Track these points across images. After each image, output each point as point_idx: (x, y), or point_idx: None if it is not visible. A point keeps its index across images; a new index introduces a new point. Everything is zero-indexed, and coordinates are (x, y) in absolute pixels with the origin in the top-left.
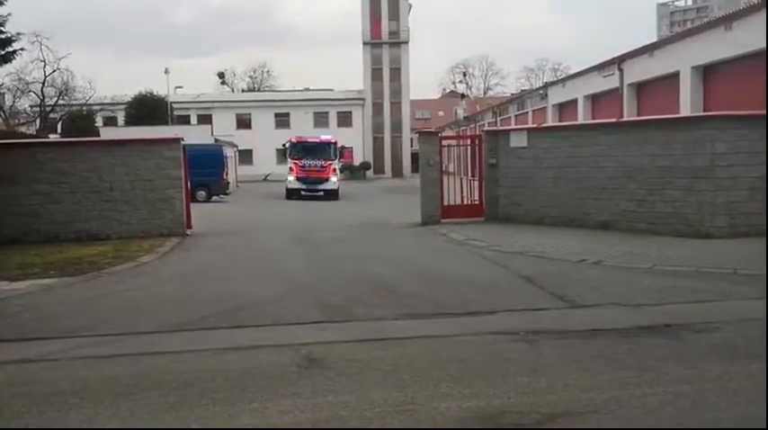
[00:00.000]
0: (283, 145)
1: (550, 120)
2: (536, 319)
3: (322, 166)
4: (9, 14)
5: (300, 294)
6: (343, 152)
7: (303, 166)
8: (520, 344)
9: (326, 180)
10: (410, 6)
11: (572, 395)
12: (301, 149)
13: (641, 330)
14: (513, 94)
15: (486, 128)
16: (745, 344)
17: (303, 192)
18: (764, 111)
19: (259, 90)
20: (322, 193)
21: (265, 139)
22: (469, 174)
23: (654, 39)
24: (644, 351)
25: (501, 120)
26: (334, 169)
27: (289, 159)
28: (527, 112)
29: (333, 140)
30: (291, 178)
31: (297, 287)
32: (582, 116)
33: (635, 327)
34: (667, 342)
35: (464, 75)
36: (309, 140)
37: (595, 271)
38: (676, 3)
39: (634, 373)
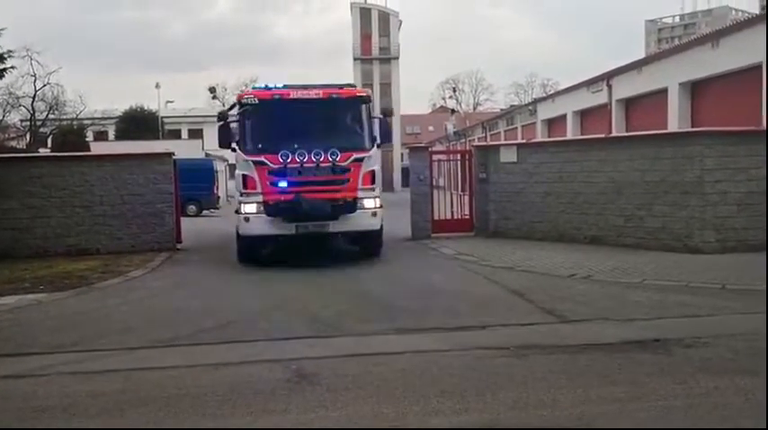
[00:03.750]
0: (222, 116)
1: (540, 136)
2: (526, 334)
3: (338, 169)
4: (3, 29)
5: (291, 308)
6: (390, 125)
7: (286, 172)
8: (510, 359)
9: (349, 205)
10: (400, 23)
11: (562, 410)
12: (278, 119)
13: (631, 345)
14: (502, 110)
15: (476, 143)
16: (734, 360)
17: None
18: (750, 128)
19: None
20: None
21: None
22: (459, 189)
23: (642, 55)
24: (634, 366)
25: (491, 135)
26: (370, 174)
27: (241, 154)
28: (516, 128)
29: (359, 93)
30: (250, 209)
31: (287, 301)
32: (571, 131)
33: (624, 342)
34: (657, 357)
35: (454, 90)
36: (299, 93)
37: (585, 285)
38: (664, 20)
39: (624, 388)
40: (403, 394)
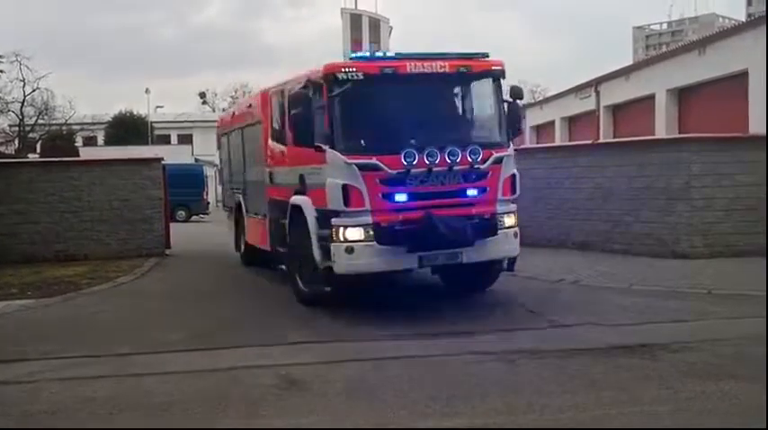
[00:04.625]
0: (299, 100)
1: (528, 142)
2: (515, 339)
3: (473, 175)
4: None
5: (280, 315)
6: (520, 114)
7: (406, 180)
8: (499, 364)
9: (490, 225)
10: (390, 29)
11: (551, 414)
12: (388, 103)
13: (618, 350)
14: None
15: None
16: (720, 365)
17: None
18: (737, 134)
19: None
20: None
21: None
22: None
23: (630, 62)
24: (621, 370)
25: None
26: (510, 180)
27: (336, 154)
28: None
29: (495, 66)
30: (354, 235)
31: (277, 307)
32: (559, 137)
33: (612, 347)
34: (643, 361)
35: None
36: (418, 65)
37: (573, 290)
38: (652, 26)
39: (611, 393)
40: (393, 399)
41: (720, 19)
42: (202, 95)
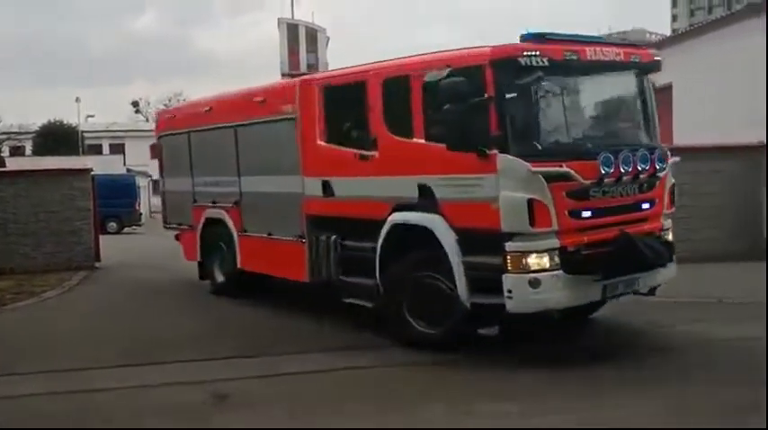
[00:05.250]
0: (457, 90)
1: None
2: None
3: (648, 184)
4: None
5: (209, 331)
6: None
7: (596, 191)
8: (428, 375)
9: (670, 245)
10: (328, 39)
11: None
12: (567, 95)
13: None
14: None
15: None
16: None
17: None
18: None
19: None
20: None
21: None
22: None
23: None
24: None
25: None
26: (671, 190)
27: (515, 160)
28: None
29: (656, 56)
30: (540, 262)
31: (209, 323)
32: None
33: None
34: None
35: None
36: (596, 51)
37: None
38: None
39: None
40: (317, 411)
41: (648, 34)
42: (135, 104)
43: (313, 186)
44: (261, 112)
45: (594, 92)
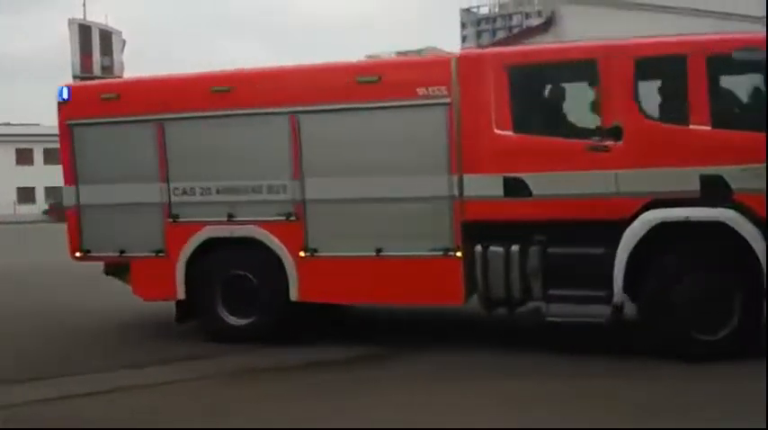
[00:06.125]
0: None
1: None
2: (257, 357)
3: None
4: None
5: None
6: None
7: None
8: (235, 386)
9: None
10: (124, 42)
11: None
12: None
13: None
14: None
15: None
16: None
17: None
18: None
19: None
20: None
21: None
22: None
23: None
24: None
25: None
26: None
27: None
28: None
29: None
30: None
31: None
32: None
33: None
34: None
35: None
36: None
37: None
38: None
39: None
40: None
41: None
42: None
43: (483, 185)
44: (365, 95)
45: None
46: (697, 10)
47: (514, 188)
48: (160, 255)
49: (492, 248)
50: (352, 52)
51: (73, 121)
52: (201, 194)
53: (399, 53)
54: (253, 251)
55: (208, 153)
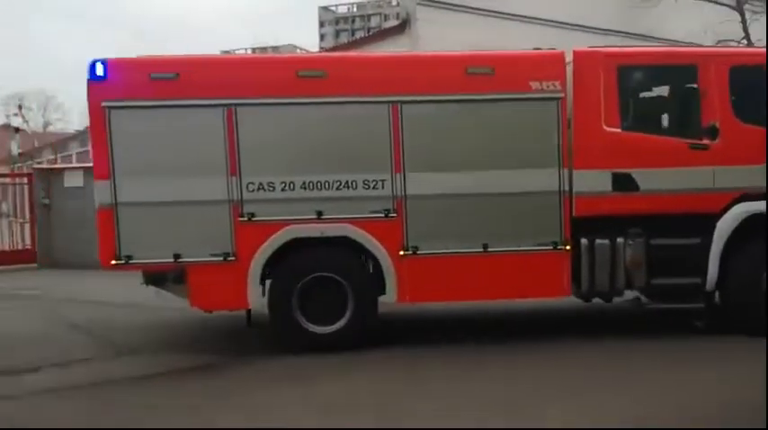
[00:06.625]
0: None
1: None
2: (81, 372)
3: None
4: None
5: None
6: None
7: None
8: (56, 402)
9: None
10: None
11: None
12: None
13: (186, 371)
14: (77, 131)
15: (44, 165)
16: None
17: None
18: None
19: None
20: None
21: None
22: (25, 216)
23: None
24: (186, 393)
25: (62, 157)
26: None
27: None
28: (89, 150)
29: None
30: None
31: None
32: None
33: (179, 370)
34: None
35: (19, 107)
36: None
37: (145, 314)
38: (238, 52)
39: (182, 418)
40: None
41: (299, 50)
42: None
43: (592, 181)
44: (477, 86)
45: None
46: (546, 20)
47: (623, 183)
48: (230, 259)
49: (599, 241)
50: (208, 47)
51: (111, 103)
52: (283, 190)
53: (256, 50)
54: (342, 251)
55: (292, 144)
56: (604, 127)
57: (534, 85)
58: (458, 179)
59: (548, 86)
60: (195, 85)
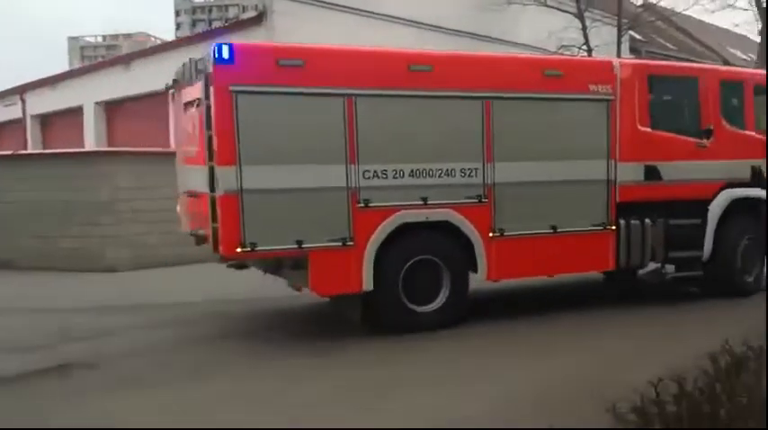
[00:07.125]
0: None
1: None
2: None
3: None
4: None
5: None
6: None
7: None
8: None
9: None
10: None
11: None
12: None
13: (32, 375)
14: None
15: None
16: (137, 376)
17: None
18: (160, 149)
19: None
20: None
21: None
22: None
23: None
24: (36, 396)
25: None
26: None
27: None
28: None
29: None
30: None
31: None
32: None
33: (25, 373)
34: (62, 381)
35: None
36: None
37: None
38: (87, 38)
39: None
40: None
41: (152, 38)
42: None
43: (631, 172)
44: (551, 87)
45: None
46: (403, 19)
47: (651, 174)
48: (348, 244)
49: (633, 222)
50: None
51: (239, 87)
52: (394, 178)
53: (107, 37)
54: (442, 235)
55: (403, 133)
56: (639, 126)
57: (592, 87)
58: (534, 168)
59: (602, 89)
60: (320, 73)
